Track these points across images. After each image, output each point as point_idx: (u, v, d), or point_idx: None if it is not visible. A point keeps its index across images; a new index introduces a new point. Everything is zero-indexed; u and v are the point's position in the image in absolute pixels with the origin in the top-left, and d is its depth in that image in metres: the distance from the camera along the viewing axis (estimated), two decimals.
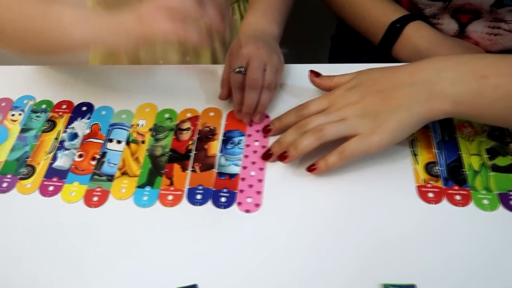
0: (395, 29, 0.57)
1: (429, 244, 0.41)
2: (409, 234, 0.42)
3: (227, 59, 0.52)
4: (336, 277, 0.39)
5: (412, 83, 0.43)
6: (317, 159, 0.45)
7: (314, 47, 0.98)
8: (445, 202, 0.43)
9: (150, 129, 0.51)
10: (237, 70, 0.49)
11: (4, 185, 0.47)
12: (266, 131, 0.50)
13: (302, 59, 0.57)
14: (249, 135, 0.50)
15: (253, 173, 0.47)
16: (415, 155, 0.47)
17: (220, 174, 0.47)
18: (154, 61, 0.70)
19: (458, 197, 0.44)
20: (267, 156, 0.47)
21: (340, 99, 0.46)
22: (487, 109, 0.41)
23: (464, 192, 0.44)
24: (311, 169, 0.45)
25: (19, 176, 0.47)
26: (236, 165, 0.47)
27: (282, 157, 0.46)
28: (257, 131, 0.50)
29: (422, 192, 0.44)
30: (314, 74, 0.51)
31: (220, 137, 0.50)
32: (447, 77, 0.42)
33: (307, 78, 0.52)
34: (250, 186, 0.46)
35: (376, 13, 0.60)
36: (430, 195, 0.44)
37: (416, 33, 0.57)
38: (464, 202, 0.43)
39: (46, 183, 0.47)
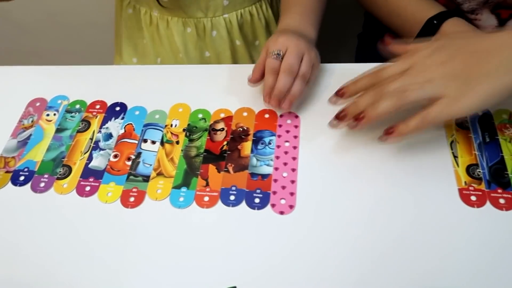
0: (433, 25, 0.56)
1: (474, 248, 0.40)
2: (453, 238, 0.40)
3: (264, 47, 0.51)
4: (378, 279, 0.39)
5: (492, 56, 0.40)
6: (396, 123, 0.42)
7: (339, 46, 0.97)
8: (488, 206, 0.42)
9: (184, 130, 0.51)
10: (275, 53, 0.48)
11: (42, 185, 0.47)
12: (340, 94, 0.46)
13: (326, 59, 0.57)
14: (279, 136, 0.49)
15: (285, 174, 0.46)
16: (455, 157, 0.46)
17: (253, 174, 0.46)
18: (175, 55, 0.70)
19: (502, 201, 0.42)
20: (341, 117, 0.45)
21: (425, 60, 0.42)
22: None
23: (508, 195, 0.43)
24: (389, 132, 0.42)
25: (55, 176, 0.48)
26: (268, 165, 0.47)
27: (358, 119, 0.43)
28: (287, 131, 0.50)
29: (464, 196, 0.43)
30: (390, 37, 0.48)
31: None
32: None
33: (332, 78, 0.51)
34: (283, 187, 0.45)
35: (412, 10, 0.58)
36: (473, 198, 0.43)
37: (454, 30, 0.56)
38: (508, 206, 0.42)
39: (82, 183, 0.47)
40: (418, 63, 0.43)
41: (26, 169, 0.49)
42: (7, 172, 0.49)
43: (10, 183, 0.48)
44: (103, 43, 1.00)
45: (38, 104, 0.55)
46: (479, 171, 0.45)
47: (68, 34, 1.16)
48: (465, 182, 0.44)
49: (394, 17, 0.61)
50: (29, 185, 0.48)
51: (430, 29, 0.57)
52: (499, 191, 0.43)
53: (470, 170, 0.45)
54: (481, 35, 0.44)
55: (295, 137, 0.49)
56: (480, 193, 0.43)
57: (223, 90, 0.54)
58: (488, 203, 0.42)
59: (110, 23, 0.79)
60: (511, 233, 0.40)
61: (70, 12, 1.12)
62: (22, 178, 0.48)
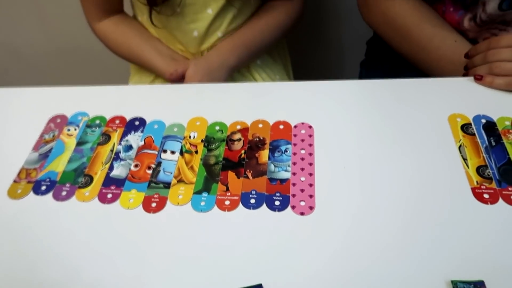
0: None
1: (491, 243, 0.41)
2: (470, 233, 0.42)
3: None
4: (401, 274, 0.39)
5: None
6: (485, 73, 0.56)
7: (342, 73, 1.02)
8: (501, 202, 0.44)
9: (202, 141, 0.53)
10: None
11: (63, 193, 0.48)
12: (467, 56, 0.59)
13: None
14: (295, 144, 0.51)
15: (303, 179, 0.48)
16: (464, 159, 0.48)
17: (271, 179, 0.48)
18: None
19: None
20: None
21: None
22: None
23: None
24: (476, 77, 0.56)
25: (77, 185, 0.49)
26: (285, 171, 0.48)
27: (476, 77, 0.57)
28: (302, 140, 0.52)
29: (477, 194, 0.45)
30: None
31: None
32: None
33: (341, 93, 0.54)
34: (302, 190, 0.46)
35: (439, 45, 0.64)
36: (486, 196, 0.44)
37: None
38: None
39: (104, 191, 0.48)
40: None
41: (47, 179, 0.50)
42: (29, 182, 0.50)
43: (32, 192, 0.49)
44: (111, 79, 1.04)
45: (59, 120, 0.57)
46: (489, 172, 0.47)
47: (77, 69, 1.20)
48: (477, 181, 0.46)
49: (419, 51, 0.66)
50: (51, 194, 0.48)
51: None
52: (510, 189, 0.45)
53: (480, 171, 0.47)
54: None
55: (310, 145, 0.51)
56: (492, 191, 0.45)
57: (238, 105, 0.57)
58: (500, 200, 0.44)
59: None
60: None
61: (79, 47, 1.16)
62: (44, 187, 0.49)
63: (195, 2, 0.69)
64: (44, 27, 1.23)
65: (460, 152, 0.49)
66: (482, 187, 0.45)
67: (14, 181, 0.50)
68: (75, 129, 0.55)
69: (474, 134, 0.50)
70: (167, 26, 0.73)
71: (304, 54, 1.06)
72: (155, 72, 0.75)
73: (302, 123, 0.54)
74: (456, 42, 0.63)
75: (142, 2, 0.69)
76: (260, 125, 0.54)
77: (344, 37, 1.00)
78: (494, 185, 0.45)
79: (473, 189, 0.45)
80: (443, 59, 0.64)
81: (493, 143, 0.49)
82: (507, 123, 0.51)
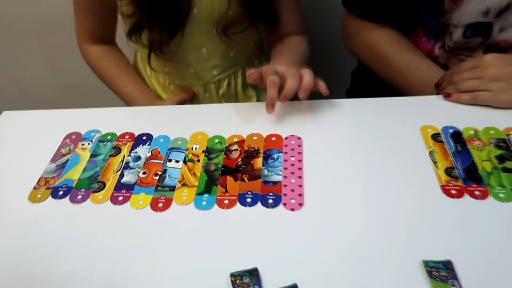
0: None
1: (458, 232, 0.47)
2: (440, 221, 0.48)
3: (259, 70, 0.63)
4: (381, 256, 0.45)
5: None
6: (453, 91, 0.64)
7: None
8: (467, 197, 0.50)
9: (203, 151, 0.59)
10: (274, 71, 0.60)
11: (79, 197, 0.54)
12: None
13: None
14: (286, 153, 0.58)
15: (293, 181, 0.54)
16: (434, 162, 0.55)
17: (265, 182, 0.54)
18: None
19: (477, 192, 0.50)
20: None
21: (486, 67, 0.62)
22: None
23: (481, 188, 0.51)
24: (445, 94, 0.64)
25: (91, 190, 0.55)
26: (277, 175, 0.55)
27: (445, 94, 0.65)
28: (292, 149, 0.58)
29: (446, 190, 0.51)
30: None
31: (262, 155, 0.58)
32: None
33: (328, 112, 0.61)
34: (292, 190, 0.52)
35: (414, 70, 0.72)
36: (453, 191, 0.51)
37: None
38: (483, 196, 0.50)
39: (116, 194, 0.54)
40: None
41: (64, 186, 0.55)
42: (47, 188, 0.55)
43: (50, 197, 0.54)
44: None
45: (74, 136, 0.63)
46: (455, 172, 0.53)
47: (83, 105, 1.28)
48: (445, 180, 0.52)
49: (398, 76, 0.74)
50: (67, 198, 0.54)
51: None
52: (474, 185, 0.51)
53: (447, 171, 0.53)
54: None
55: (299, 153, 0.58)
56: (458, 187, 0.51)
57: (235, 121, 0.64)
58: (465, 195, 0.50)
59: None
60: (487, 217, 0.48)
61: (85, 83, 1.24)
62: (61, 193, 0.54)
63: (190, 42, 0.77)
64: (51, 65, 1.32)
65: (431, 157, 0.55)
66: (449, 184, 0.52)
67: (34, 188, 0.56)
68: (89, 144, 0.62)
69: (442, 142, 0.57)
70: (164, 64, 0.81)
71: None
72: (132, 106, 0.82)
73: (292, 135, 0.60)
74: (429, 67, 0.72)
75: (143, 45, 0.75)
76: (255, 138, 0.61)
77: (332, 69, 1.09)
78: (460, 182, 0.52)
79: (442, 186, 0.51)
80: (419, 82, 0.72)
81: (459, 149, 0.56)
82: (471, 132, 0.58)
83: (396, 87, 0.76)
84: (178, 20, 0.71)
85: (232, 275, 0.44)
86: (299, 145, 0.59)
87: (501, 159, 0.54)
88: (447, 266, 0.43)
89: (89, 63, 0.85)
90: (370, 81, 0.83)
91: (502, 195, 0.50)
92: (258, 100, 0.89)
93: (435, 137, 0.58)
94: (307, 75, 0.61)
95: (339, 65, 1.12)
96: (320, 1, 1.11)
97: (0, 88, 1.41)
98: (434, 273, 0.43)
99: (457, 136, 0.58)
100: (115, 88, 0.84)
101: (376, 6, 0.74)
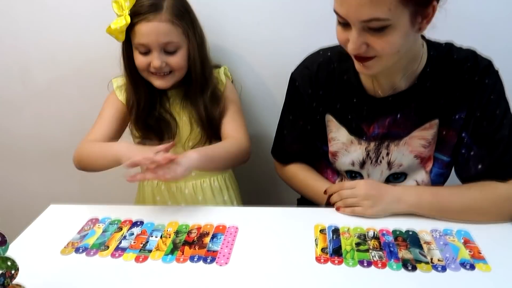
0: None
1: (327, 284, 0.77)
2: (314, 279, 0.78)
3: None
4: None
5: (391, 195, 0.93)
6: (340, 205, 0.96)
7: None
8: (329, 263, 0.81)
9: (174, 232, 0.92)
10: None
11: (91, 253, 0.86)
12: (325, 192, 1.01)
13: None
14: (226, 235, 0.91)
15: (226, 250, 0.85)
16: (316, 244, 0.86)
17: (208, 250, 0.86)
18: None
19: (337, 261, 0.81)
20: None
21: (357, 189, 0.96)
22: (427, 213, 0.92)
23: (340, 259, 0.82)
24: (337, 207, 0.96)
25: (100, 250, 0.87)
26: (217, 246, 0.87)
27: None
28: (230, 233, 0.91)
29: (318, 259, 0.82)
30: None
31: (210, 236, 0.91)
32: (408, 199, 0.92)
33: (275, 222, 0.96)
34: (224, 255, 0.84)
35: (313, 187, 1.09)
36: (322, 260, 0.82)
37: None
38: (339, 262, 0.81)
39: (114, 252, 0.86)
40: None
41: (83, 247, 0.88)
42: (72, 247, 0.88)
43: (74, 252, 0.86)
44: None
45: (93, 220, 0.98)
46: (327, 250, 0.84)
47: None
48: (319, 254, 0.83)
49: (310, 193, 1.10)
50: (84, 253, 0.86)
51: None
52: (336, 258, 0.82)
53: (322, 249, 0.85)
54: (388, 187, 0.96)
55: (235, 236, 0.90)
56: (326, 258, 0.82)
57: (197, 217, 0.98)
58: (329, 263, 0.81)
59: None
60: (343, 276, 0.78)
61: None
62: (81, 250, 0.87)
63: (174, 151, 1.15)
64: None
65: (315, 242, 0.87)
66: (322, 256, 0.83)
67: (64, 247, 0.88)
68: (103, 225, 0.96)
69: (325, 233, 0.90)
70: None
71: (253, 185, 1.51)
72: (116, 155, 0.99)
73: (233, 226, 0.94)
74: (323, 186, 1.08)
75: (137, 135, 1.18)
76: (208, 226, 0.94)
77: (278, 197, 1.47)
78: (328, 255, 0.83)
79: (316, 257, 0.83)
80: (323, 196, 1.07)
81: (334, 238, 0.88)
82: (346, 229, 0.91)
83: (312, 199, 1.10)
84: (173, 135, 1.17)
85: None
86: (236, 232, 0.92)
87: (357, 244, 0.86)
88: None
89: (80, 152, 1.10)
90: None
91: (351, 263, 0.81)
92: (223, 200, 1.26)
93: (322, 230, 0.91)
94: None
95: None
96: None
97: None
98: None
99: (335, 230, 0.91)
100: (105, 152, 1.04)
101: (287, 154, 1.15)
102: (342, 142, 1.04)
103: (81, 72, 1.43)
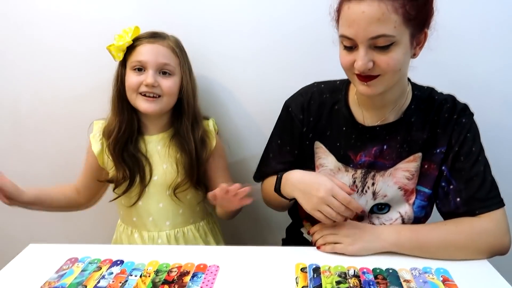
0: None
1: None
2: None
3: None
4: None
5: (371, 233, 0.96)
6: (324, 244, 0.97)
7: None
8: None
9: (154, 271, 0.91)
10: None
11: None
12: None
13: None
14: (206, 274, 0.90)
15: None
16: (297, 283, 0.86)
17: None
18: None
19: None
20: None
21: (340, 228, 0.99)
22: (407, 250, 0.93)
23: None
24: (318, 246, 0.98)
25: None
26: (197, 285, 0.86)
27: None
28: (211, 272, 0.90)
29: None
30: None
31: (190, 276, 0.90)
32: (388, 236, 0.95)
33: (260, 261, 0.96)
34: None
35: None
36: None
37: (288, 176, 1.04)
38: None
39: None
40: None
41: (60, 286, 0.86)
42: (49, 287, 0.86)
43: None
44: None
45: (73, 259, 0.96)
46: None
47: None
48: None
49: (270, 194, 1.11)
50: None
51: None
52: None
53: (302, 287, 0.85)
54: (368, 225, 1.00)
55: (215, 275, 0.90)
56: None
57: (178, 255, 0.98)
58: None
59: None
60: None
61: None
62: None
63: (152, 198, 1.18)
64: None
65: (296, 281, 0.87)
66: None
67: (41, 287, 0.86)
68: (82, 264, 0.95)
69: (306, 272, 0.90)
70: (133, 216, 1.20)
71: (235, 228, 1.49)
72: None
73: (214, 265, 0.93)
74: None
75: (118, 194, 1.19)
76: (189, 265, 0.93)
77: (272, 218, 1.46)
78: None
79: None
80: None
81: (315, 276, 0.88)
82: (326, 268, 0.91)
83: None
84: (145, 180, 1.17)
85: None
86: (217, 271, 0.91)
87: (338, 282, 0.86)
88: None
89: None
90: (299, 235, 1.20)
91: None
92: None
93: (303, 269, 0.91)
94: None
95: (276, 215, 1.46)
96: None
97: None
98: None
99: (316, 269, 0.91)
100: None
101: (269, 175, 1.16)
102: (329, 168, 1.07)
103: (68, 110, 1.45)
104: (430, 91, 1.04)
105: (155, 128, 1.20)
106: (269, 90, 1.35)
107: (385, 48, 0.85)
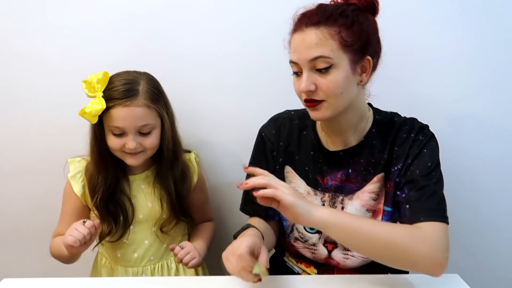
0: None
1: None
2: None
3: None
4: None
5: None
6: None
7: None
8: None
9: None
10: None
11: None
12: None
13: None
14: None
15: None
16: None
17: None
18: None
19: None
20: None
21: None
22: (339, 229, 0.86)
23: None
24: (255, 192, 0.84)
25: None
26: None
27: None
28: None
29: None
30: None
31: None
32: (323, 209, 0.87)
33: None
34: None
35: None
36: None
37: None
38: None
39: None
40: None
41: None
42: None
43: None
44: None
45: None
46: None
47: None
48: None
49: None
50: None
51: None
52: None
53: None
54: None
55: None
56: None
57: (160, 286, 0.95)
58: None
59: None
60: None
61: None
62: None
63: (138, 234, 1.16)
64: None
65: None
66: None
67: None
68: None
69: None
70: (117, 251, 1.17)
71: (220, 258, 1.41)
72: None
73: None
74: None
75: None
76: None
77: None
78: None
79: None
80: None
81: None
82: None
83: None
84: (128, 221, 1.15)
85: None
86: None
87: None
88: None
89: (50, 248, 1.17)
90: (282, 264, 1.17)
91: None
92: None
93: None
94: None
95: None
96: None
97: None
98: None
99: None
100: (59, 247, 1.09)
101: (252, 204, 1.12)
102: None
103: (50, 149, 1.42)
104: (392, 115, 1.07)
105: (138, 168, 1.19)
106: (247, 119, 1.36)
107: (324, 71, 0.91)
